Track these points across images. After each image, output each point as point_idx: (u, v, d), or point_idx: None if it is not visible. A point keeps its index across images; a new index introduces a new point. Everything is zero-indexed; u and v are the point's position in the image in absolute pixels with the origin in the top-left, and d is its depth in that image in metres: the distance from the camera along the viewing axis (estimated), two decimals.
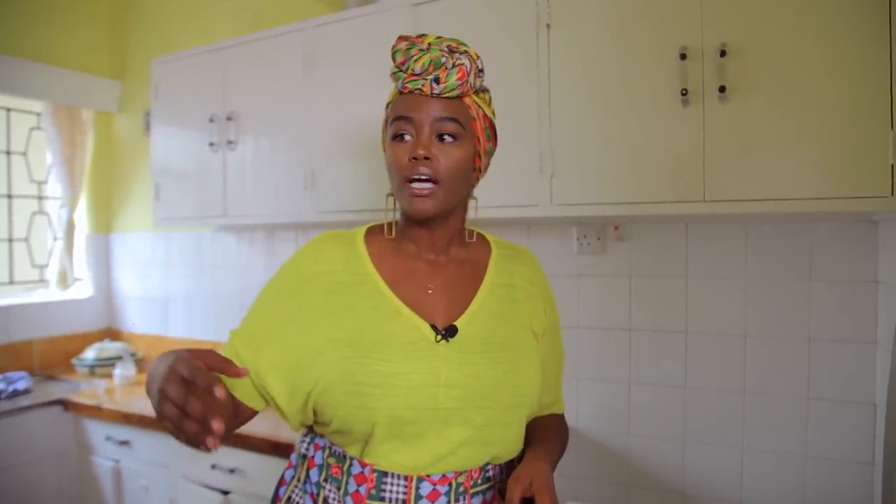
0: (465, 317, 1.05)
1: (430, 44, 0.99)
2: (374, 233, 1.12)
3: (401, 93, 1.02)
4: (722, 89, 1.50)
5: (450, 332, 1.01)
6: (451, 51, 0.99)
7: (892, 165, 1.35)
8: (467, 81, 0.99)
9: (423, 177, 0.99)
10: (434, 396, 0.97)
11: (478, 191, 1.14)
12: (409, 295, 1.04)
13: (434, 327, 1.01)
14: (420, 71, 0.97)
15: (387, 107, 1.07)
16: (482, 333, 1.04)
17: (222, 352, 1.03)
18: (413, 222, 1.07)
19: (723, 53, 1.50)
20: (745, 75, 1.50)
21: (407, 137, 1.00)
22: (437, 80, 0.98)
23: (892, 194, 1.36)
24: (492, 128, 1.07)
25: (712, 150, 1.55)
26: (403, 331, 1.00)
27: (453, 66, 0.98)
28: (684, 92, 1.54)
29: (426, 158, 0.98)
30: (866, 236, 1.69)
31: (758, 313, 1.83)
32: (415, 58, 0.97)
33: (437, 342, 1.00)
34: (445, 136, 1.00)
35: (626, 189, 1.66)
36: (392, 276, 1.06)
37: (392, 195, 1.08)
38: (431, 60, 0.97)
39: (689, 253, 1.92)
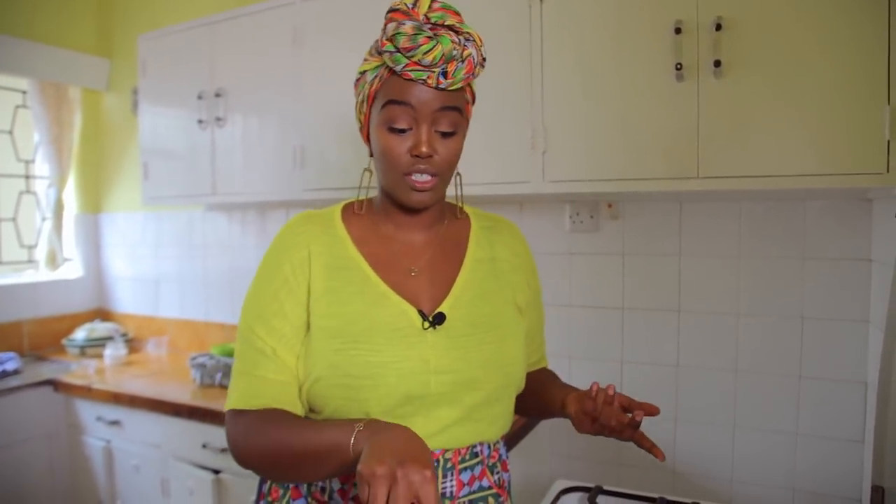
0: (450, 299, 1.02)
1: (434, 25, 0.91)
2: (350, 212, 1.08)
3: (393, 73, 0.93)
4: (717, 64, 1.47)
5: (437, 319, 0.99)
6: (456, 32, 0.92)
7: (889, 142, 1.34)
8: (473, 73, 0.94)
9: (425, 173, 0.96)
10: (425, 383, 0.96)
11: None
12: (393, 278, 1.02)
13: (422, 313, 0.99)
14: (429, 63, 0.90)
15: (363, 74, 0.99)
16: (468, 315, 1.02)
17: (259, 361, 0.98)
18: (397, 205, 1.04)
19: (718, 27, 1.47)
20: (740, 50, 1.48)
21: (403, 126, 0.94)
22: (444, 74, 0.91)
23: (888, 171, 1.34)
24: (473, 95, 1.03)
25: (707, 126, 1.53)
26: (391, 317, 0.98)
27: (462, 59, 0.91)
28: (679, 66, 1.52)
29: (429, 156, 0.94)
30: (860, 214, 1.68)
31: (751, 292, 1.82)
32: (423, 48, 0.88)
33: (425, 329, 0.98)
34: (446, 130, 0.96)
35: (619, 166, 1.64)
36: (375, 259, 1.03)
37: (369, 171, 1.04)
38: (443, 54, 0.89)
39: (683, 231, 1.91)
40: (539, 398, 1.15)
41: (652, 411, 1.00)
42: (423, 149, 0.93)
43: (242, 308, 1.04)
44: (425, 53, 0.89)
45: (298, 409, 0.99)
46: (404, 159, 0.95)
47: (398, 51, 0.90)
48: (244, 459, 0.95)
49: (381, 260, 1.03)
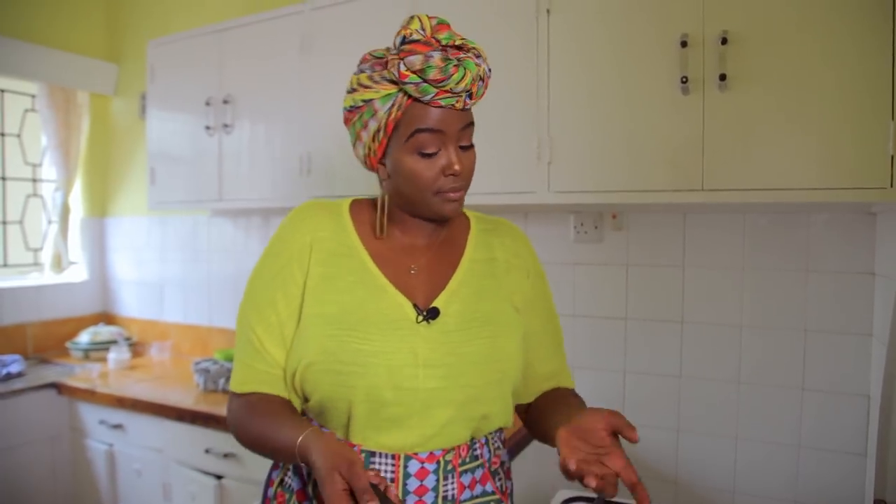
0: (444, 295, 1.04)
1: (444, 48, 0.92)
2: (357, 207, 1.11)
3: (417, 101, 0.94)
4: (722, 77, 1.48)
5: (431, 313, 1.01)
6: (465, 50, 0.95)
7: (892, 156, 1.35)
8: (486, 86, 0.98)
9: (458, 189, 1.00)
10: (414, 377, 0.97)
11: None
12: (392, 273, 1.04)
13: (416, 307, 1.01)
14: (460, 90, 0.93)
15: (367, 103, 0.97)
16: (462, 311, 1.04)
17: (241, 351, 1.06)
18: (413, 215, 1.06)
19: (724, 41, 1.48)
20: (745, 64, 1.49)
21: (433, 150, 0.96)
22: (470, 96, 0.95)
23: (892, 185, 1.35)
24: None
25: (711, 139, 1.54)
26: (387, 309, 1.00)
27: (482, 78, 0.95)
28: (684, 80, 1.53)
29: (461, 173, 0.98)
30: (864, 228, 1.69)
31: (754, 304, 1.83)
32: (455, 77, 0.91)
33: (418, 323, 1.00)
34: (466, 144, 1.00)
35: (624, 177, 1.65)
36: (377, 254, 1.06)
37: (385, 195, 1.06)
38: (473, 78, 0.93)
39: (687, 243, 1.91)
40: (543, 423, 1.09)
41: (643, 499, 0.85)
42: (457, 167, 0.97)
43: (245, 289, 1.10)
44: (458, 82, 0.91)
45: (284, 395, 1.05)
46: (439, 181, 0.98)
47: (426, 82, 0.91)
48: (237, 439, 1.05)
49: (382, 255, 1.06)
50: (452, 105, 0.94)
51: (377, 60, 0.98)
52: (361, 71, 0.99)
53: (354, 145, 1.04)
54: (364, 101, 0.98)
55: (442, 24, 0.95)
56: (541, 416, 1.12)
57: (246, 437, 1.03)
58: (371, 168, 1.04)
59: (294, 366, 1.00)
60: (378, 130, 0.98)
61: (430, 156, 0.97)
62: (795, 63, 1.45)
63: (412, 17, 0.94)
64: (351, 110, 1.01)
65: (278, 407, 1.02)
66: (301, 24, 2.19)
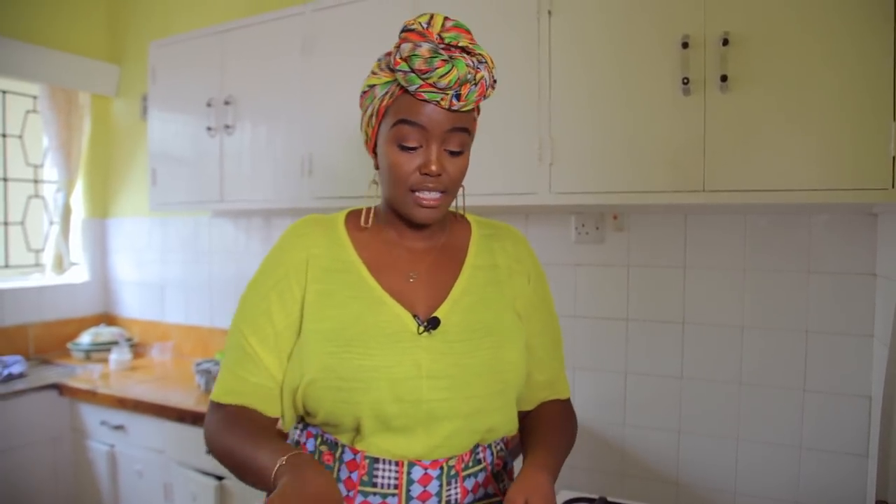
0: (447, 304, 1.03)
1: (448, 47, 0.92)
2: (354, 218, 1.10)
3: (406, 91, 0.94)
4: (724, 78, 1.49)
5: (432, 324, 1.00)
6: (469, 53, 0.94)
7: (894, 157, 1.35)
8: (484, 96, 0.96)
9: (433, 190, 0.98)
10: (417, 388, 0.96)
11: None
12: (391, 283, 1.03)
13: (417, 318, 1.00)
14: (444, 86, 0.91)
15: (371, 88, 1.00)
16: (464, 320, 1.02)
17: (236, 362, 1.02)
18: (394, 214, 1.05)
19: (725, 42, 1.48)
20: (747, 64, 1.49)
21: (413, 144, 0.95)
22: (457, 97, 0.92)
23: (893, 186, 1.35)
24: (478, 108, 1.04)
25: (713, 140, 1.54)
26: (386, 322, 0.99)
27: (476, 83, 0.93)
28: (686, 81, 1.53)
29: (438, 175, 0.96)
30: (865, 229, 1.69)
31: (755, 305, 1.83)
32: (440, 71, 0.89)
33: (420, 334, 0.99)
34: (454, 149, 0.98)
35: (626, 178, 1.65)
36: (374, 264, 1.04)
37: (375, 182, 1.06)
38: (458, 78, 0.91)
39: (688, 243, 1.92)
40: (525, 449, 1.08)
41: None
42: (433, 167, 0.95)
43: (238, 302, 1.08)
44: (441, 77, 0.90)
45: (275, 411, 1.02)
46: (413, 177, 0.97)
47: (413, 71, 0.91)
48: (211, 452, 1.01)
49: (380, 265, 1.05)
50: (437, 102, 0.93)
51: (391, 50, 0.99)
52: (378, 59, 1.01)
53: (361, 129, 1.06)
54: (370, 86, 1.00)
55: (456, 27, 0.94)
56: (524, 441, 1.12)
57: (220, 452, 0.98)
58: (371, 155, 1.06)
59: (295, 382, 0.99)
60: (372, 115, 1.00)
61: (410, 150, 0.96)
62: (797, 64, 1.45)
63: (427, 13, 0.95)
64: (362, 95, 1.03)
65: (260, 426, 0.99)
66: (303, 25, 2.20)
